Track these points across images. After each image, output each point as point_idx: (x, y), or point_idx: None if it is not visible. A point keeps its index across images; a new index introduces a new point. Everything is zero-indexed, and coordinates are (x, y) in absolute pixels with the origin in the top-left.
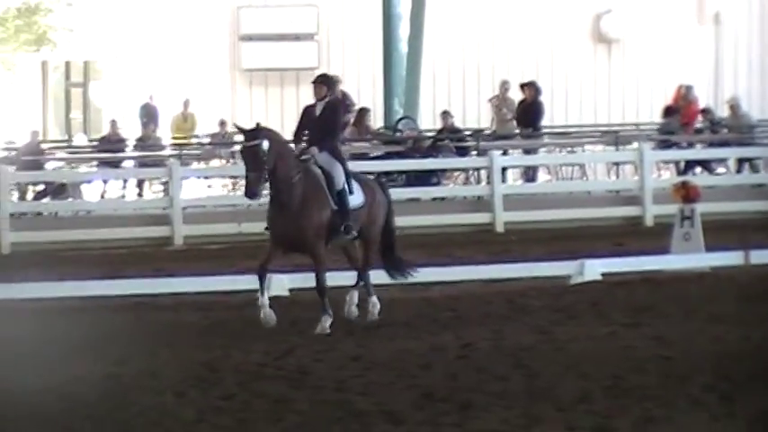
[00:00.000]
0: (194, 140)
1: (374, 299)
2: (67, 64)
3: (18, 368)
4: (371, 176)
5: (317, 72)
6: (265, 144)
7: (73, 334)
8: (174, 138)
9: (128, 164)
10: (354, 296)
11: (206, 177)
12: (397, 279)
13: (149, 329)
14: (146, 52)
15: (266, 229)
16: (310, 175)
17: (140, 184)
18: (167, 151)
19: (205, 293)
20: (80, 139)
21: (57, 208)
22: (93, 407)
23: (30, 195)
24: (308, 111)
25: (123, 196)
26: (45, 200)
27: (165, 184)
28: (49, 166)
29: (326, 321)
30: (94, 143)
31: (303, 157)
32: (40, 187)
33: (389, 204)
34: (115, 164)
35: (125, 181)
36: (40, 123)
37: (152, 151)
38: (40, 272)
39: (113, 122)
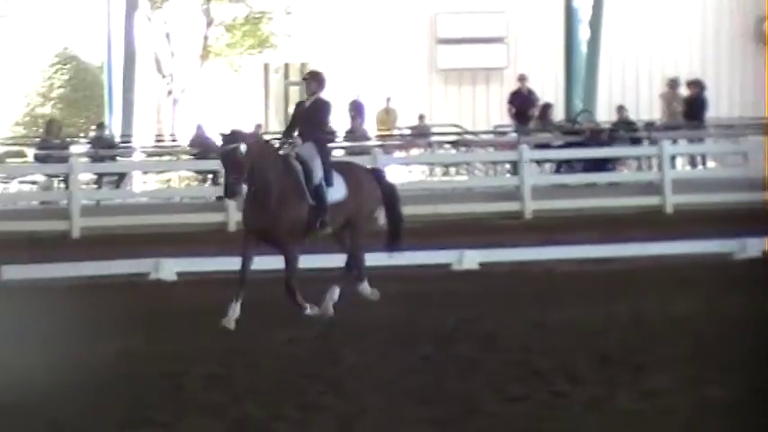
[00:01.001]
0: (396, 132)
1: (365, 284)
2: (286, 65)
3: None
4: (370, 166)
5: (506, 72)
6: (243, 147)
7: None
8: (379, 130)
9: (337, 153)
10: (335, 293)
11: (406, 164)
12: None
13: (354, 298)
14: (354, 54)
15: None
16: (288, 171)
17: None
18: (372, 142)
19: (403, 267)
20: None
21: None
22: (307, 365)
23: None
24: (299, 106)
25: None
26: None
27: None
28: None
29: (311, 310)
30: None
31: (283, 150)
32: None
33: (391, 192)
34: None
35: None
36: (262, 118)
37: (359, 142)
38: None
39: None
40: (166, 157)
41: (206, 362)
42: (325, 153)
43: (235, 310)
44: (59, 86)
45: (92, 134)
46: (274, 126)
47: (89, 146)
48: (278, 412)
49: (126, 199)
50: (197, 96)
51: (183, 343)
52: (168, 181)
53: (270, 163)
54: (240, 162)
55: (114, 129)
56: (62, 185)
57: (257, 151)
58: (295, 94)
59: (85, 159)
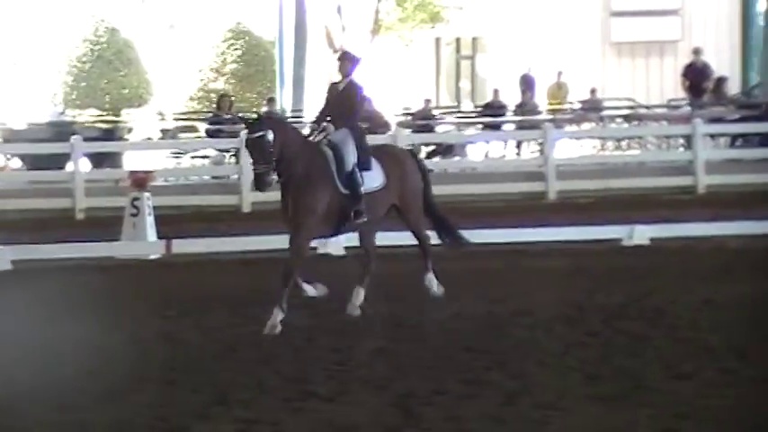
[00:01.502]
0: (567, 106)
1: (430, 275)
2: (458, 40)
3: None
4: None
5: (680, 44)
6: (270, 135)
7: (455, 275)
8: (550, 104)
9: (508, 127)
10: (360, 294)
11: (577, 138)
12: (451, 245)
13: (523, 273)
14: (525, 28)
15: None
16: (317, 158)
17: (519, 144)
18: (543, 116)
19: (573, 242)
20: (467, 106)
21: (445, 166)
22: (473, 339)
23: (422, 155)
24: (332, 88)
25: (504, 156)
26: (435, 159)
27: (541, 144)
28: (440, 129)
29: (277, 317)
30: (479, 109)
31: (315, 138)
32: (431, 148)
33: (425, 176)
34: (496, 127)
35: (505, 142)
36: (433, 92)
37: (529, 116)
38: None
39: (496, 91)
40: None
41: (373, 336)
42: (359, 138)
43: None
44: (232, 61)
45: (263, 109)
46: (445, 100)
47: None
48: (441, 387)
49: None
50: (367, 71)
51: (350, 317)
52: None
53: (298, 150)
54: (267, 150)
55: (285, 103)
56: (233, 160)
57: (285, 138)
58: (467, 69)
59: None
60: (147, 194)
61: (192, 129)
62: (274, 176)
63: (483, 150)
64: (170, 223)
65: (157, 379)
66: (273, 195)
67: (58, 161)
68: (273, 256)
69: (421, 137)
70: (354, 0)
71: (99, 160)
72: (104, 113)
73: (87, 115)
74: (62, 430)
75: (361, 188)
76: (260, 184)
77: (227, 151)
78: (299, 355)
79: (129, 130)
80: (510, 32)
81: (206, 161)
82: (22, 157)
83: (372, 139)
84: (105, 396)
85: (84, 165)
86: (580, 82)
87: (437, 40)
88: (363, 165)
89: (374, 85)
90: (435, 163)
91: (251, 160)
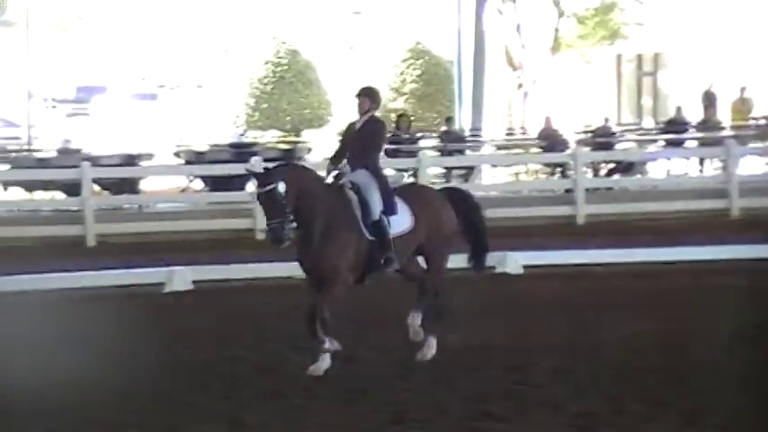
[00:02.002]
0: (751, 122)
1: (418, 319)
2: (639, 56)
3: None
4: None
5: None
6: (281, 186)
7: (624, 295)
8: (733, 120)
9: (690, 144)
10: (417, 318)
11: (760, 155)
12: (474, 269)
13: (704, 292)
14: (707, 42)
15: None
16: (340, 203)
17: (701, 161)
18: (726, 132)
19: (754, 260)
20: (648, 122)
21: (626, 183)
22: (651, 358)
23: (602, 172)
24: (349, 127)
25: (686, 173)
26: (615, 176)
27: (724, 161)
28: (620, 146)
29: (332, 344)
30: (660, 125)
31: (335, 181)
32: (611, 165)
33: (473, 212)
34: (679, 144)
35: (687, 158)
36: (614, 109)
37: (712, 132)
38: (612, 240)
39: (678, 108)
40: (515, 151)
41: (550, 355)
42: (381, 179)
43: (325, 359)
44: (411, 81)
45: (441, 128)
46: (627, 117)
47: (438, 140)
48: (620, 407)
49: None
50: (547, 88)
51: (527, 336)
52: (517, 174)
53: (318, 196)
54: (279, 203)
55: (464, 122)
56: (411, 179)
57: (300, 186)
58: (648, 85)
59: (434, 153)
60: None
61: None
62: (291, 228)
63: (665, 168)
64: None
65: (334, 398)
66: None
67: (239, 182)
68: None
69: (601, 155)
70: (534, 18)
71: None
72: (285, 134)
73: (269, 136)
74: None
75: (390, 234)
76: (275, 239)
77: (406, 170)
78: (476, 374)
79: (309, 150)
80: (692, 48)
81: None
82: (204, 179)
83: (550, 157)
84: (284, 415)
85: None
86: (765, 97)
87: (618, 56)
88: (389, 209)
89: (554, 102)
90: (615, 181)
91: (264, 215)
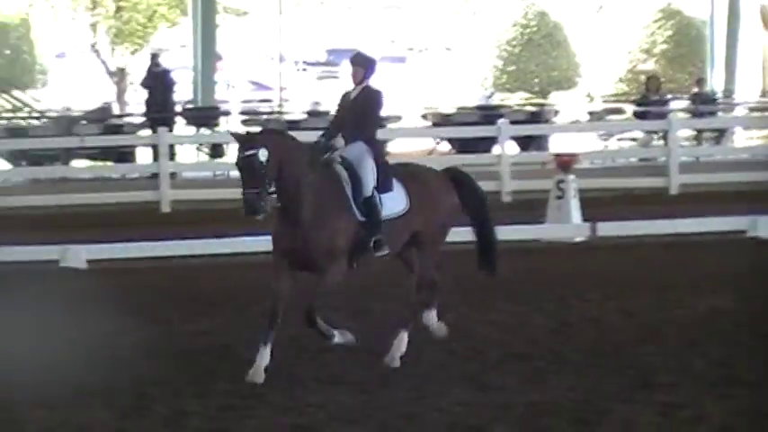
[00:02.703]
0: None
1: (433, 314)
2: None
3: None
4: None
5: None
6: (262, 153)
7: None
8: None
9: None
10: (431, 316)
11: None
12: (480, 268)
13: None
14: None
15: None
16: (329, 179)
17: None
18: None
19: None
20: None
21: None
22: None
23: None
24: (343, 98)
25: None
26: None
27: None
28: None
29: (343, 336)
30: None
31: (324, 156)
32: None
33: (479, 200)
34: None
35: None
36: None
37: None
38: None
39: None
40: None
41: None
42: (378, 154)
43: (264, 356)
44: (662, 42)
45: (693, 90)
46: None
47: (689, 102)
48: None
49: (726, 155)
50: None
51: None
52: None
53: (303, 170)
54: (259, 172)
55: (716, 84)
56: (661, 142)
57: (284, 156)
58: None
59: (685, 115)
60: (571, 177)
61: (620, 111)
62: (269, 201)
63: None
64: (596, 206)
65: (580, 362)
66: (705, 177)
67: (485, 144)
68: (700, 240)
69: None
70: None
71: (525, 143)
72: (533, 96)
73: (516, 98)
74: (482, 410)
75: (381, 214)
76: (249, 209)
77: (656, 133)
78: (726, 339)
79: (556, 113)
80: None
81: (633, 143)
82: (451, 141)
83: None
84: (528, 378)
85: (511, 148)
86: None
87: None
88: (383, 186)
89: None
90: None
91: (241, 182)
